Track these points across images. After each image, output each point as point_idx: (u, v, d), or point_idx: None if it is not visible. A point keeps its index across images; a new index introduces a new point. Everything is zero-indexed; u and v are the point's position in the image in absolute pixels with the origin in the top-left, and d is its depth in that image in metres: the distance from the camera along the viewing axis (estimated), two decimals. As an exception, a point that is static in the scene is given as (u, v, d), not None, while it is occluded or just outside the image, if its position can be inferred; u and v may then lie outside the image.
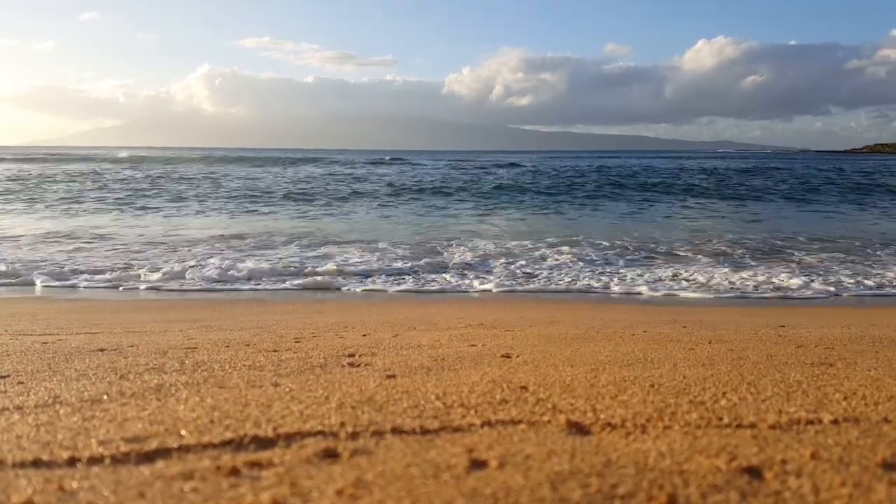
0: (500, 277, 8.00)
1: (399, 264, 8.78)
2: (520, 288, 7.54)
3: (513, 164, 44.45)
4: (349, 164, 44.32)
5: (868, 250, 10.26)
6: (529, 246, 10.44)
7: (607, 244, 10.66)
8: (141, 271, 7.97)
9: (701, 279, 7.88)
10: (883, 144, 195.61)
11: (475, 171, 36.86)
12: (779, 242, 11.14)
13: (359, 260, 9.06)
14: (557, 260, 9.20)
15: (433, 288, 7.57)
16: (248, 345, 3.17)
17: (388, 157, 57.18)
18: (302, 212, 17.18)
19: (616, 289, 7.48)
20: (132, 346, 3.12)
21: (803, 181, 29.38)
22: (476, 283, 7.73)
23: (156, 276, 7.75)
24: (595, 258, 9.41)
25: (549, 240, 11.08)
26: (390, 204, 19.57)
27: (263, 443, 1.43)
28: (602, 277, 8.03)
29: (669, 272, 8.27)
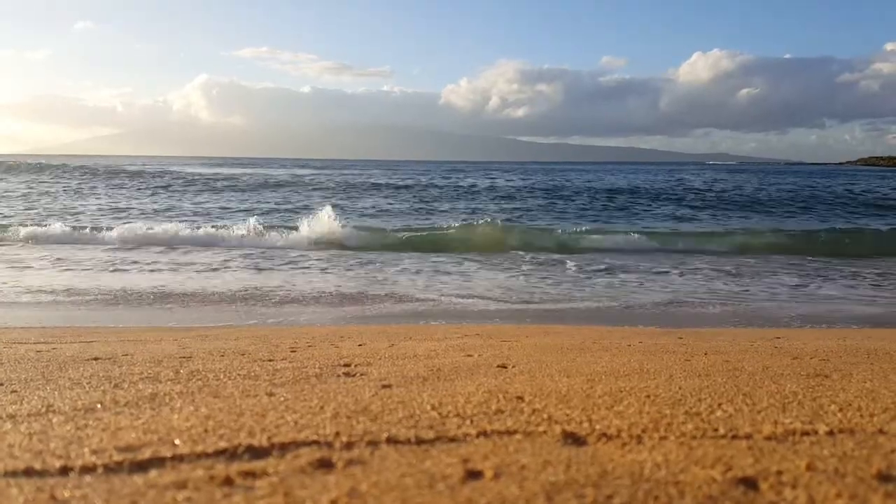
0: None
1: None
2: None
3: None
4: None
5: None
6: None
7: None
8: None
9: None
10: (877, 157, 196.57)
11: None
12: None
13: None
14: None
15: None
16: (243, 354, 3.16)
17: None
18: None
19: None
20: (126, 355, 3.11)
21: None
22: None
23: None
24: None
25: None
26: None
27: (257, 452, 1.42)
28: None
29: None
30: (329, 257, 11.28)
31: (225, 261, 10.62)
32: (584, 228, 16.31)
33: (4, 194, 24.63)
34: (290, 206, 22.03)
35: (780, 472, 1.29)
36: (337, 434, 1.55)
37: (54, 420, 1.71)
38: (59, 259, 10.33)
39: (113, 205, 21.81)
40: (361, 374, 2.51)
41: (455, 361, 2.87)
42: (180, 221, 15.94)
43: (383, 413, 1.76)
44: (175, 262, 10.43)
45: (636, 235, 14.25)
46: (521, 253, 12.19)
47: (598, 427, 1.63)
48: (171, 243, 12.72)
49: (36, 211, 19.16)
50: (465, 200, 25.66)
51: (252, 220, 14.30)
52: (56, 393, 2.09)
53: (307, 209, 19.47)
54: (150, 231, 13.67)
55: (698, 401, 1.93)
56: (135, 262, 10.19)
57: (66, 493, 1.18)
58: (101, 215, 18.23)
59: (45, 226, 14.05)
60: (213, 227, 14.29)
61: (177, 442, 1.48)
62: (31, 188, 27.58)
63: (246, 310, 6.75)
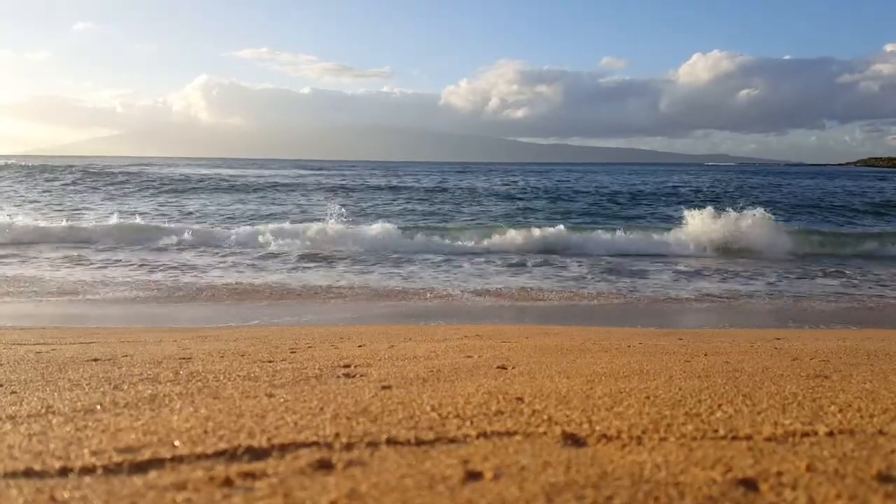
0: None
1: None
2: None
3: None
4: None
5: None
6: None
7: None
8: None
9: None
10: (876, 158, 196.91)
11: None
12: None
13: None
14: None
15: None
16: (243, 355, 3.16)
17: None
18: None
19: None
20: (126, 356, 3.11)
21: None
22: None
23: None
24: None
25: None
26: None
27: (257, 453, 1.42)
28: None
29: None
30: (329, 258, 11.29)
31: (224, 262, 10.63)
32: (585, 228, 16.33)
33: (4, 193, 24.80)
34: (289, 207, 22.08)
35: (780, 473, 1.29)
36: (337, 435, 1.55)
37: (54, 421, 1.71)
38: (61, 258, 10.34)
39: (112, 205, 21.85)
40: (361, 376, 2.51)
41: (455, 362, 2.87)
42: (179, 222, 15.98)
43: (383, 414, 1.76)
44: (174, 262, 10.43)
45: (637, 236, 14.26)
46: (522, 253, 12.21)
47: (598, 428, 1.63)
48: (170, 243, 12.73)
49: (38, 210, 19.22)
50: (467, 200, 25.72)
51: (251, 222, 14.35)
52: (55, 394, 2.09)
53: (307, 210, 19.59)
54: (149, 231, 13.69)
55: (698, 402, 1.93)
56: (134, 263, 10.20)
57: (66, 495, 1.18)
58: (101, 216, 18.27)
59: (47, 224, 14.09)
60: (211, 227, 14.32)
61: (176, 443, 1.48)
62: (30, 188, 27.77)
63: (246, 310, 6.75)
